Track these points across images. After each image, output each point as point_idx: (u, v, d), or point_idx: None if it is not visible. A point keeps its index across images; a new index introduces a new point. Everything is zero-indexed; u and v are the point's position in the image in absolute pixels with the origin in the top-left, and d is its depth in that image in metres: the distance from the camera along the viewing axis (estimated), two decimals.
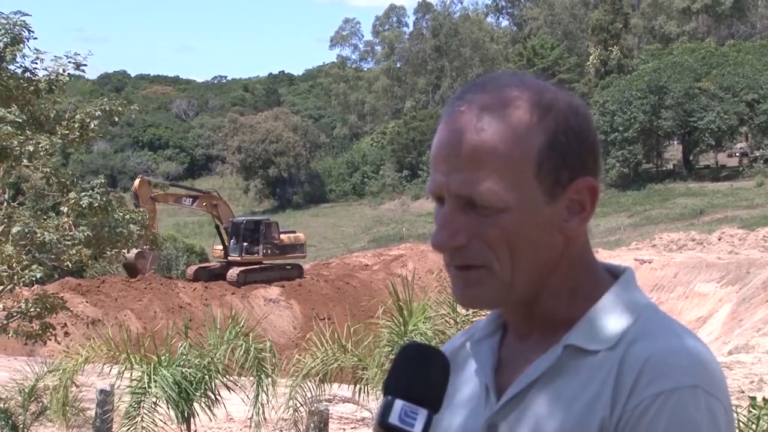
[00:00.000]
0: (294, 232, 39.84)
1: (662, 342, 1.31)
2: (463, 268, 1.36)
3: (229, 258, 35.98)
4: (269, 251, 36.60)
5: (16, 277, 13.15)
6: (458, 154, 1.33)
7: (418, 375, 1.29)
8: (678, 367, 1.28)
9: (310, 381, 9.41)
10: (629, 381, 1.29)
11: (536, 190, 1.34)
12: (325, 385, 9.51)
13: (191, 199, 37.01)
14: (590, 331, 1.35)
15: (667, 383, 1.27)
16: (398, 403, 1.26)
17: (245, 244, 36.00)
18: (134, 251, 30.41)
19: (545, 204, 1.34)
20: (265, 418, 9.75)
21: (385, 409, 1.26)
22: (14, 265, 13.04)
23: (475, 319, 8.43)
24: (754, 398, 6.13)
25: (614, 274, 1.43)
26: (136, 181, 34.65)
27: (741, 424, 5.82)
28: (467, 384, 1.47)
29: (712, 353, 1.35)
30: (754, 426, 5.87)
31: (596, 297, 1.38)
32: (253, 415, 9.57)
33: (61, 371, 9.69)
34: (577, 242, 1.39)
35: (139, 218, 14.85)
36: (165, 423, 9.04)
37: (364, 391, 9.26)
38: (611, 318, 1.36)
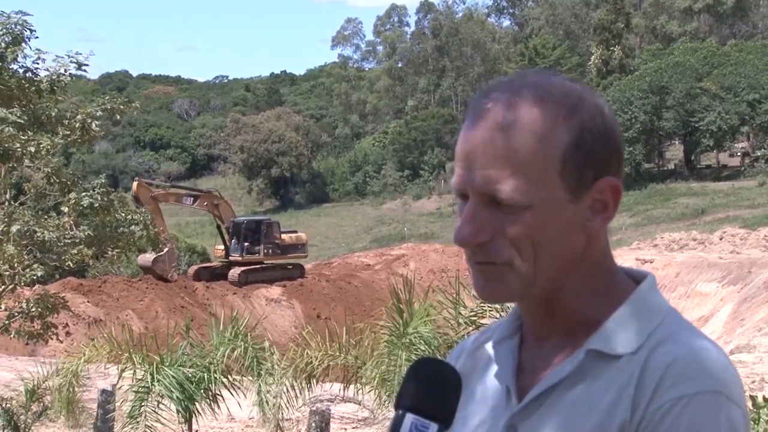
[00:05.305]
0: (295, 231, 39.94)
1: (685, 346, 1.31)
2: (484, 263, 1.36)
3: (230, 258, 36.03)
4: (270, 251, 36.65)
5: (17, 276, 13.15)
6: (483, 152, 1.34)
7: (429, 390, 1.29)
8: (701, 372, 1.28)
9: (300, 378, 9.40)
10: (652, 384, 1.29)
11: (560, 188, 1.34)
12: (314, 382, 9.49)
13: (192, 198, 36.97)
14: (613, 336, 1.36)
15: (690, 387, 1.27)
16: (409, 417, 1.26)
17: (246, 243, 36.02)
18: (150, 256, 30.45)
19: (569, 202, 1.35)
20: (266, 418, 9.74)
21: (396, 423, 1.27)
22: (15, 264, 13.03)
23: (478, 320, 8.42)
24: (755, 397, 6.13)
25: (634, 278, 1.43)
26: (134, 185, 34.34)
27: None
28: (487, 385, 1.47)
29: (731, 360, 1.35)
30: (755, 426, 5.87)
31: (617, 300, 1.39)
32: (263, 411, 9.55)
33: (63, 371, 9.70)
34: (599, 242, 1.40)
35: (142, 219, 14.83)
36: (168, 422, 9.04)
37: (363, 391, 9.25)
38: (635, 322, 1.36)
